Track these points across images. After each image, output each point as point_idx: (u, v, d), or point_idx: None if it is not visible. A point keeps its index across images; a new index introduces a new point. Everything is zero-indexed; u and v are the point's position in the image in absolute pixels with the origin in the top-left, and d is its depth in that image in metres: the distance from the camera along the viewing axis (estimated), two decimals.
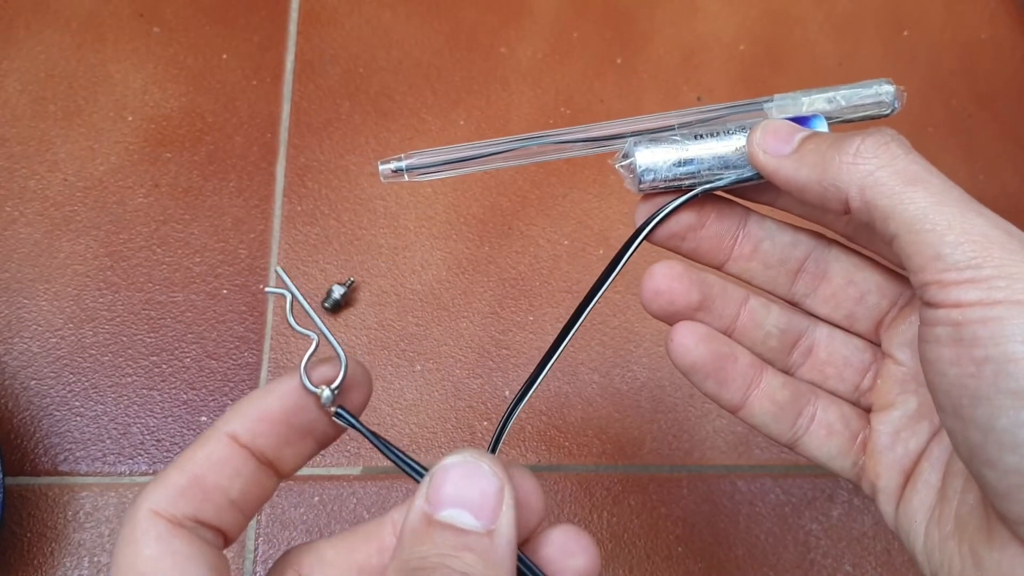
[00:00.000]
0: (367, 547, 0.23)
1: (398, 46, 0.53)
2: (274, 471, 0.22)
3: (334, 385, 0.22)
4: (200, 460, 0.21)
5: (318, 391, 0.21)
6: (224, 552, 0.21)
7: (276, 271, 0.22)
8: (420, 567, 0.19)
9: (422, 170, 0.26)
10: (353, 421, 0.22)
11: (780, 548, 0.43)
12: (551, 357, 0.27)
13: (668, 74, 0.53)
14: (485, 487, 0.20)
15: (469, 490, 0.20)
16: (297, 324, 0.22)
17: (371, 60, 0.52)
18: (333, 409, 0.22)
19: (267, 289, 0.22)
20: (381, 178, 0.26)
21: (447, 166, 0.26)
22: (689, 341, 0.27)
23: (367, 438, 0.22)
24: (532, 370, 0.27)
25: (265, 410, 0.21)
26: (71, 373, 0.45)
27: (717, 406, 0.29)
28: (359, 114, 0.51)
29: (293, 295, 0.22)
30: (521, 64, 0.53)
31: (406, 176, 0.26)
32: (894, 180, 0.22)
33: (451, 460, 0.20)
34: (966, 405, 0.21)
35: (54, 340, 0.45)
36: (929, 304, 0.22)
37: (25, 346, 0.45)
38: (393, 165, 0.26)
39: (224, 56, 0.52)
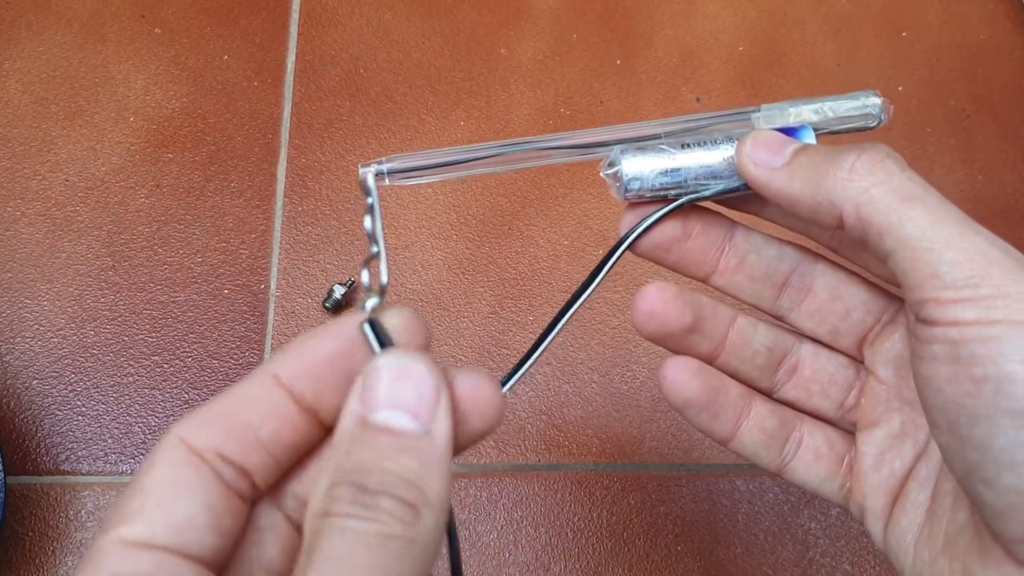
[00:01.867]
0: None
1: (398, 47, 0.53)
2: (317, 420, 0.21)
3: (375, 302, 0.21)
4: (236, 395, 0.20)
5: (369, 289, 0.21)
6: (243, 502, 0.20)
7: (359, 169, 0.21)
8: (356, 469, 0.18)
9: (403, 174, 0.26)
10: (379, 337, 0.21)
11: (779, 547, 0.43)
12: (525, 361, 0.27)
13: (667, 75, 0.53)
14: (421, 387, 0.19)
15: (404, 391, 0.19)
16: (369, 226, 0.22)
17: (372, 61, 0.53)
18: (367, 317, 0.21)
19: (361, 167, 0.22)
20: (361, 183, 0.25)
21: (429, 171, 0.26)
22: (683, 377, 0.27)
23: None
24: (515, 367, 0.27)
25: (308, 351, 0.21)
26: (73, 373, 0.45)
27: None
28: (360, 115, 0.51)
29: (374, 203, 0.21)
30: (521, 65, 0.53)
31: (387, 180, 0.25)
32: (890, 197, 0.22)
33: (383, 361, 0.19)
34: (963, 424, 0.21)
35: (56, 340, 0.45)
36: (925, 322, 0.22)
37: (27, 346, 0.45)
38: (374, 168, 0.25)
39: (225, 57, 0.52)
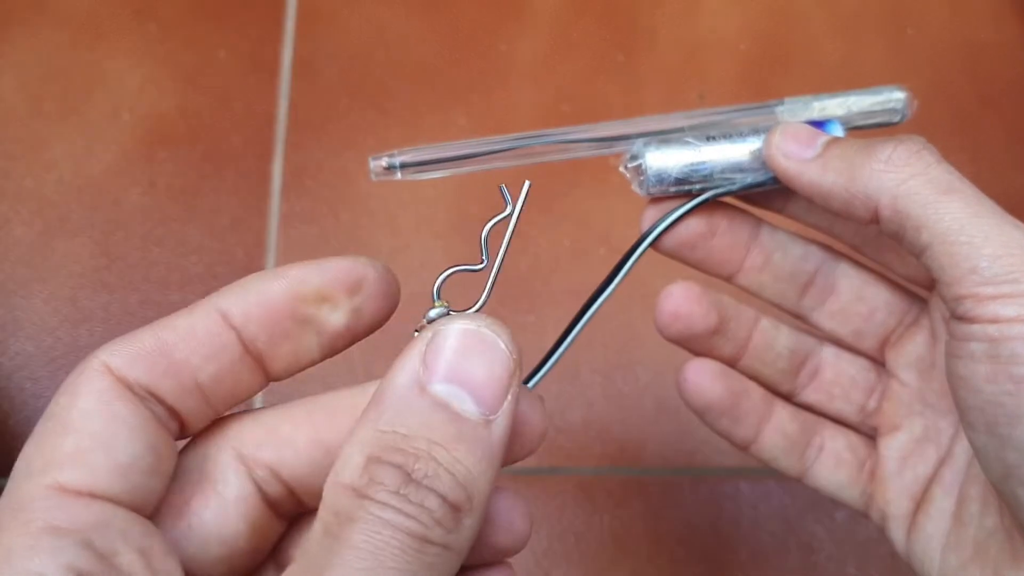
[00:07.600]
0: (336, 422, 0.19)
1: (397, 43, 0.53)
2: (262, 369, 0.19)
3: (442, 311, 0.19)
4: (177, 328, 0.18)
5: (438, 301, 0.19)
6: (173, 441, 0.18)
7: (501, 188, 0.20)
8: (400, 447, 0.16)
9: (416, 168, 0.24)
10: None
11: (783, 551, 0.43)
12: (543, 366, 0.26)
13: (670, 72, 0.53)
14: (495, 368, 0.17)
15: (476, 368, 0.17)
16: (485, 235, 0.20)
17: (369, 58, 0.52)
18: (423, 326, 0.19)
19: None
20: (372, 176, 0.24)
21: (443, 164, 0.25)
22: (705, 380, 0.27)
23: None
24: (532, 371, 0.26)
25: (268, 294, 0.18)
26: (67, 374, 0.44)
27: None
28: (357, 112, 0.51)
29: (514, 213, 0.20)
30: (521, 62, 0.52)
31: (399, 174, 0.24)
32: (928, 189, 0.22)
33: (463, 324, 0.17)
34: (1003, 424, 0.20)
35: (50, 341, 0.45)
36: (963, 319, 0.21)
37: (20, 347, 0.45)
38: (385, 161, 0.24)
39: (220, 53, 0.51)
